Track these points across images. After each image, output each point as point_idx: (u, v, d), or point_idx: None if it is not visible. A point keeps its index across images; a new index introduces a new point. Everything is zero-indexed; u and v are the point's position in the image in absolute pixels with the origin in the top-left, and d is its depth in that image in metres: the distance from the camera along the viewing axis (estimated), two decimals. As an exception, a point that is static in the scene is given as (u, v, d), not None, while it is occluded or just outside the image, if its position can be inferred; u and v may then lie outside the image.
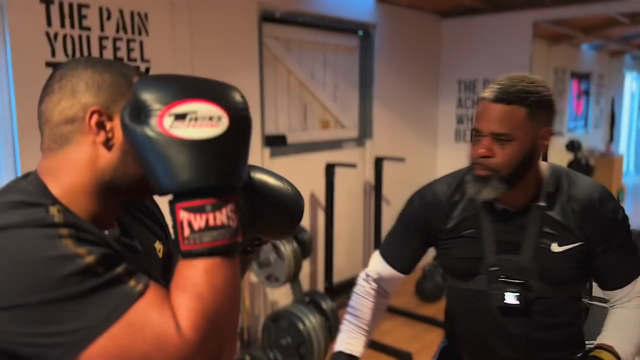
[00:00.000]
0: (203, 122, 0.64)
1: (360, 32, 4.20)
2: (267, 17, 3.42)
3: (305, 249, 2.99)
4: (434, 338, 3.23)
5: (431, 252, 1.45)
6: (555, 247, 1.23)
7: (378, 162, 3.97)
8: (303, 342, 2.81)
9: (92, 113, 0.73)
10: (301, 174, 3.70)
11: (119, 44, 2.56)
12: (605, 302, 1.33)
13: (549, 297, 1.25)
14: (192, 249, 0.64)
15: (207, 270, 0.64)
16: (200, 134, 0.63)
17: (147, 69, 2.71)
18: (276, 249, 2.91)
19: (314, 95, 3.91)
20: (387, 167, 4.04)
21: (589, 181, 1.28)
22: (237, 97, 0.68)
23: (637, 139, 10.14)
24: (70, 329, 0.61)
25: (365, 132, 4.30)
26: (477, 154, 1.20)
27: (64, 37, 2.34)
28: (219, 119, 0.64)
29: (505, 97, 1.16)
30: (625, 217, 1.26)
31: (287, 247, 2.88)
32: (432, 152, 4.91)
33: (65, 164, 0.74)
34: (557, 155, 6.16)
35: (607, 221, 1.23)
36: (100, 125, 0.73)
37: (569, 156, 6.46)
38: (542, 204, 1.24)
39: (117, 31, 2.54)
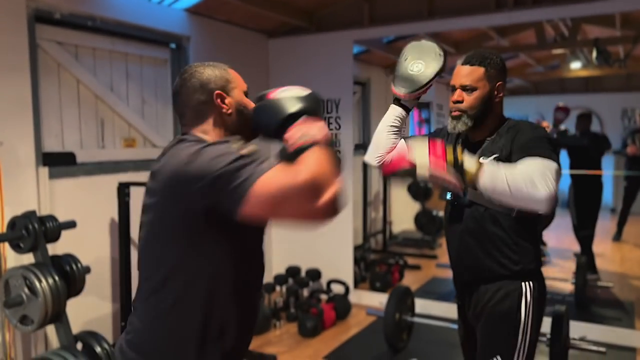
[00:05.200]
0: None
1: (173, 45, 3.88)
2: (42, 18, 2.97)
3: (73, 283, 2.51)
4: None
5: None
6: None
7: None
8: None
9: (217, 95, 1.31)
10: (92, 197, 3.23)
11: None
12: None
13: (479, 205, 1.74)
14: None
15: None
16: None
17: None
18: (30, 284, 2.39)
19: (113, 109, 3.48)
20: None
21: (526, 124, 1.75)
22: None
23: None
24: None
25: (180, 152, 3.93)
26: (453, 99, 1.76)
27: None
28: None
29: (469, 60, 1.75)
30: (538, 137, 1.65)
31: (43, 281, 2.37)
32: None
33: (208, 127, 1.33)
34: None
35: (520, 143, 1.67)
36: (222, 101, 1.32)
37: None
38: (489, 140, 1.77)
39: None
